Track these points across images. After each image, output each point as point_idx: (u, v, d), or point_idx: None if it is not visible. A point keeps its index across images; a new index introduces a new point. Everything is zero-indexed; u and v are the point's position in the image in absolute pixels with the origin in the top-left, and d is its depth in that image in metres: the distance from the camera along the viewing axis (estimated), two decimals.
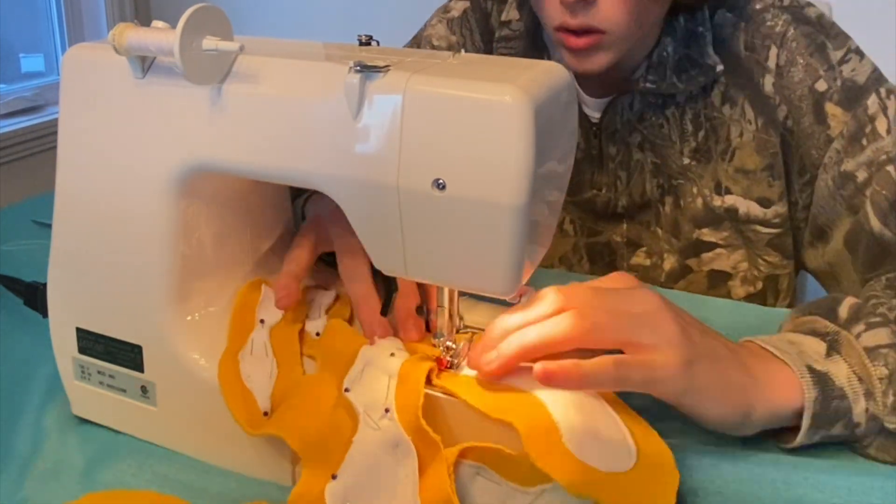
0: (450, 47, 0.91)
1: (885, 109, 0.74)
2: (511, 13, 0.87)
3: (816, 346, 0.57)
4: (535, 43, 0.86)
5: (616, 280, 0.57)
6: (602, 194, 0.87)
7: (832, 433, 0.55)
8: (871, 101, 0.74)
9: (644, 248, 0.88)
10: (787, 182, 0.81)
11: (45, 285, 0.61)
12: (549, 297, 0.52)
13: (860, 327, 0.57)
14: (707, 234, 0.85)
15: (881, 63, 0.79)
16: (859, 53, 0.77)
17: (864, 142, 0.74)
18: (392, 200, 0.48)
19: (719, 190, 0.83)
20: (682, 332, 0.51)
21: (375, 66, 0.47)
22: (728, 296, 0.87)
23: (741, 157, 0.81)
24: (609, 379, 0.50)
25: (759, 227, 0.83)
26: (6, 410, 0.62)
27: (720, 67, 0.78)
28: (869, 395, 0.54)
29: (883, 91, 0.75)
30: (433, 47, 0.92)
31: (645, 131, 0.83)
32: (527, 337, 0.51)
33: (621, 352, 0.51)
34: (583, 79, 0.83)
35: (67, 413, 0.62)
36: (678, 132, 0.82)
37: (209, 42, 0.49)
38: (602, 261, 0.91)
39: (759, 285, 0.86)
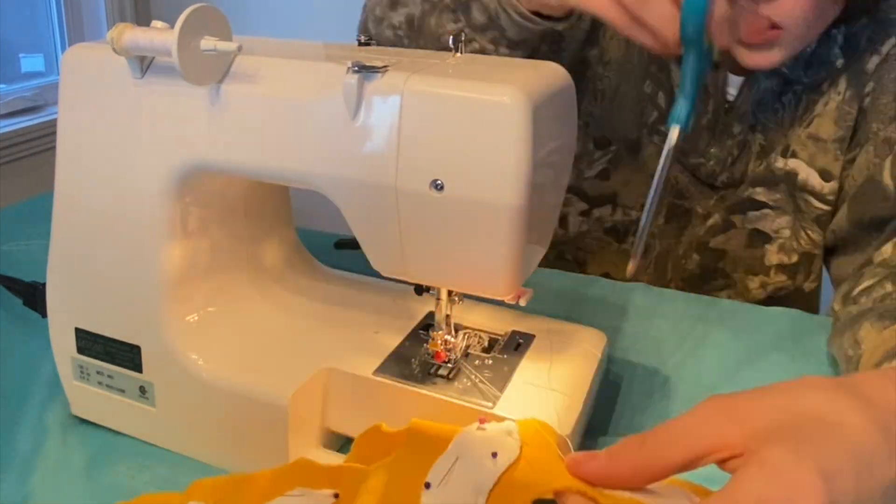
0: None
1: None
2: None
3: None
4: None
5: (814, 400, 0.40)
6: (708, 165, 0.87)
7: None
8: None
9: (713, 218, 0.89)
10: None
11: (44, 285, 0.61)
12: None
13: None
14: (760, 194, 0.86)
15: None
16: None
17: None
18: (390, 201, 0.48)
19: (786, 153, 0.83)
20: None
21: (374, 67, 0.47)
22: (762, 259, 0.87)
23: (819, 123, 0.82)
24: None
25: (812, 199, 0.84)
26: (6, 411, 0.62)
27: (840, 62, 0.80)
28: None
29: None
30: None
31: (763, 118, 0.83)
32: None
33: None
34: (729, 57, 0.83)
35: (67, 413, 0.62)
36: (790, 119, 0.83)
37: (207, 42, 0.49)
38: (678, 222, 0.91)
39: (795, 258, 0.87)
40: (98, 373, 0.59)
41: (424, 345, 0.58)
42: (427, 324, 0.61)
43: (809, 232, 0.85)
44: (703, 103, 0.83)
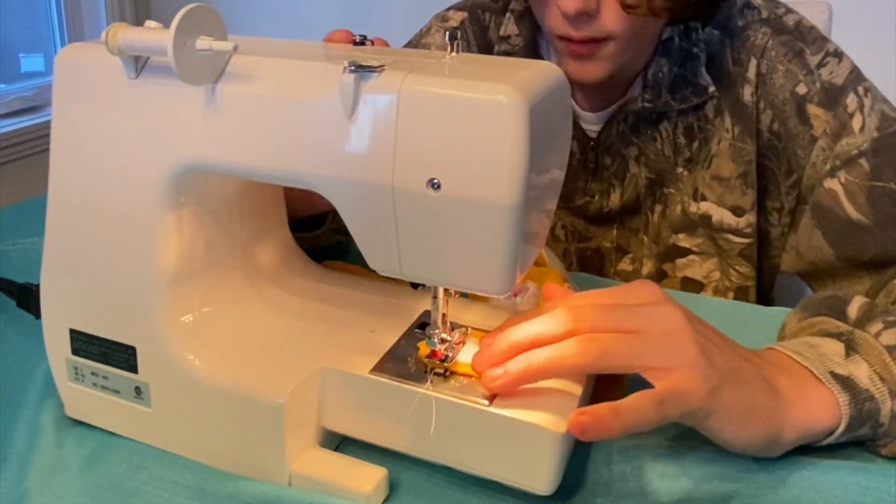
0: None
1: (861, 107, 0.77)
2: (510, 28, 0.88)
3: (835, 348, 0.56)
4: (534, 57, 0.87)
5: (638, 290, 0.53)
6: (595, 201, 0.89)
7: (858, 435, 0.54)
8: (850, 100, 0.77)
9: (630, 255, 0.90)
10: (770, 187, 0.83)
11: (37, 287, 0.61)
12: (561, 317, 0.50)
13: (877, 326, 0.56)
14: (683, 240, 0.87)
15: (881, 62, 0.80)
16: (837, 55, 0.79)
17: (844, 139, 0.77)
18: (387, 200, 0.48)
19: (696, 196, 0.85)
20: (703, 354, 0.49)
21: (370, 66, 0.47)
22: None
23: (717, 164, 0.83)
24: (649, 422, 0.47)
25: (731, 237, 0.85)
26: (1, 413, 0.62)
27: (712, 88, 0.81)
28: (893, 394, 0.53)
29: (860, 89, 0.78)
30: None
31: (641, 144, 0.84)
32: (535, 359, 0.49)
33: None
34: (579, 92, 0.85)
35: (62, 415, 0.62)
36: (672, 146, 0.84)
37: (203, 42, 0.49)
38: (592, 266, 0.92)
39: (730, 296, 0.88)
40: (93, 374, 0.59)
41: (417, 344, 0.58)
42: (423, 322, 0.61)
43: (737, 267, 0.86)
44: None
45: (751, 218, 0.84)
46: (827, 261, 0.78)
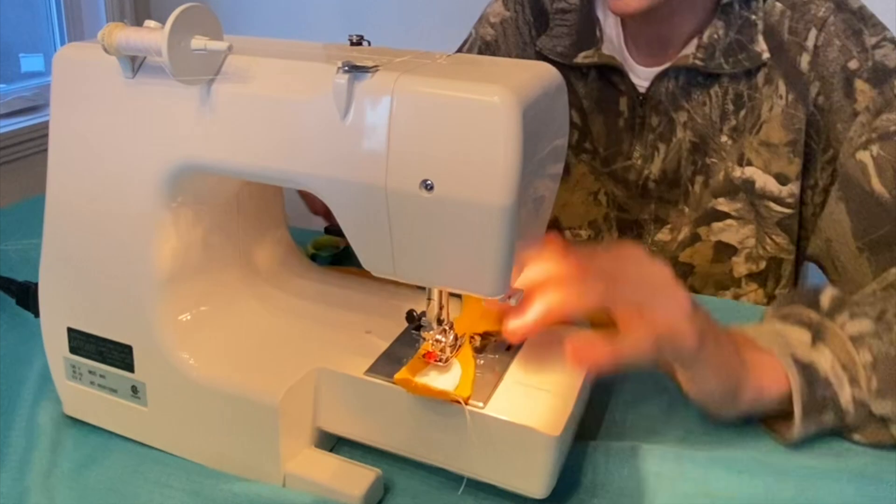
0: (503, 22, 0.95)
1: None
2: None
3: (802, 336, 0.59)
4: (589, 16, 0.88)
5: (627, 252, 0.56)
6: (636, 165, 0.89)
7: (824, 422, 0.57)
8: None
9: (669, 225, 0.91)
10: (807, 162, 0.84)
11: (37, 285, 0.61)
12: (571, 259, 0.53)
13: (844, 317, 0.60)
14: (722, 204, 0.87)
15: None
16: (893, 42, 0.81)
17: (885, 115, 0.77)
18: (380, 201, 0.48)
19: (741, 161, 0.85)
20: (693, 305, 0.53)
21: (364, 67, 0.47)
22: (730, 272, 0.89)
23: (767, 130, 0.84)
24: (643, 354, 0.51)
25: (772, 204, 0.85)
26: (0, 411, 0.62)
27: (766, 56, 0.82)
28: (854, 381, 0.56)
29: None
30: (490, 24, 0.96)
31: (690, 109, 0.85)
32: (551, 303, 0.51)
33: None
34: (634, 47, 0.86)
35: (60, 413, 0.62)
36: (719, 112, 0.85)
37: (198, 42, 0.49)
38: (630, 233, 0.93)
39: (763, 265, 0.88)
40: (90, 372, 0.59)
41: (416, 344, 0.58)
42: (419, 324, 0.61)
43: (774, 237, 0.87)
44: (616, 105, 0.86)
45: (794, 188, 0.84)
46: (842, 236, 0.79)
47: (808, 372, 0.56)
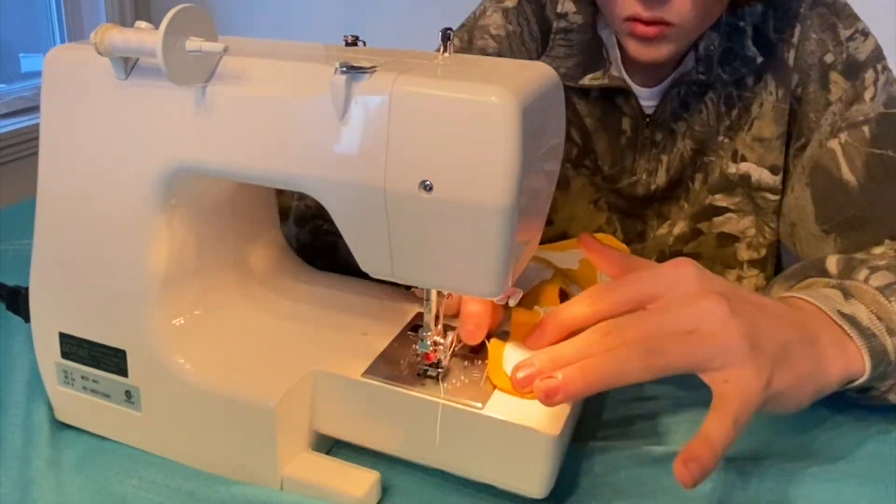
0: (508, 36, 0.93)
1: (876, 82, 0.81)
2: (566, 5, 0.89)
3: (834, 294, 0.59)
4: (593, 36, 0.88)
5: (672, 276, 0.53)
6: (642, 180, 0.90)
7: (876, 375, 0.56)
8: (868, 75, 0.81)
9: (669, 221, 0.92)
10: (786, 151, 0.87)
11: (27, 289, 0.60)
12: (603, 328, 0.51)
13: (863, 273, 0.60)
14: (720, 200, 0.90)
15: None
16: (864, 34, 0.83)
17: (855, 106, 0.80)
18: (379, 202, 0.48)
19: (735, 158, 0.87)
20: (752, 347, 0.49)
21: (361, 67, 0.47)
22: (734, 256, 0.92)
23: (760, 125, 0.86)
24: (735, 439, 0.48)
25: (767, 195, 0.88)
26: None
27: (760, 59, 0.84)
28: (891, 331, 0.56)
29: (879, 67, 0.82)
30: (492, 37, 0.93)
31: (688, 119, 0.87)
32: (588, 373, 0.49)
33: None
34: (632, 69, 0.87)
35: (52, 419, 0.61)
36: (715, 116, 0.86)
37: (193, 43, 0.48)
38: (633, 230, 0.94)
39: (763, 252, 0.91)
40: (83, 378, 0.59)
41: (414, 346, 0.57)
42: (416, 325, 0.60)
43: (771, 224, 0.90)
44: (619, 124, 0.87)
45: (782, 175, 0.87)
46: (805, 221, 0.82)
47: (856, 325, 0.55)
